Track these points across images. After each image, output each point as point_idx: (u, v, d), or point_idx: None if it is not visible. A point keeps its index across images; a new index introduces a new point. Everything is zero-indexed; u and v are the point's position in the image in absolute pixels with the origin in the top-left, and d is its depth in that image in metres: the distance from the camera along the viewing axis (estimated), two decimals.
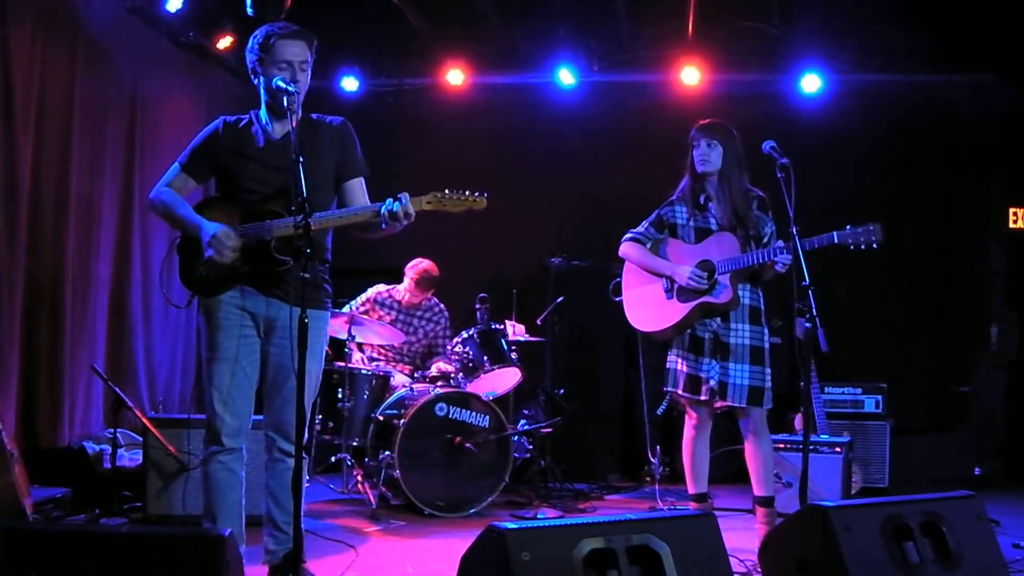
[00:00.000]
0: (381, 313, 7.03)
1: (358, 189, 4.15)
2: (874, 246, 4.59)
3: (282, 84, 3.80)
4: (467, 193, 3.89)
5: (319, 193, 3.98)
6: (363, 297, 7.12)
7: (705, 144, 5.03)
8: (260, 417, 4.10)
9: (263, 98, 4.02)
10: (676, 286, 5.03)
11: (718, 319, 4.97)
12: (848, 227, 4.61)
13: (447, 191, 3.89)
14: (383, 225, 3.82)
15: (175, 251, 4.07)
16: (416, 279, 6.98)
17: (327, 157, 4.06)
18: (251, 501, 4.20)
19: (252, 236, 3.87)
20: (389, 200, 3.80)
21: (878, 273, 7.62)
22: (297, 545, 3.51)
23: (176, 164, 4.11)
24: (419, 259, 7.02)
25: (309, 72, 3.98)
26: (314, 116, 4.11)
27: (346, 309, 6.92)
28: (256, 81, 4.00)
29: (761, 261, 4.82)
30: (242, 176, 3.97)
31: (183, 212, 3.98)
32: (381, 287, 7.16)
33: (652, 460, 6.91)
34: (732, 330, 4.94)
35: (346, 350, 6.46)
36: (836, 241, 4.62)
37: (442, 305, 7.20)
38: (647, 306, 5.18)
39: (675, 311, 5.04)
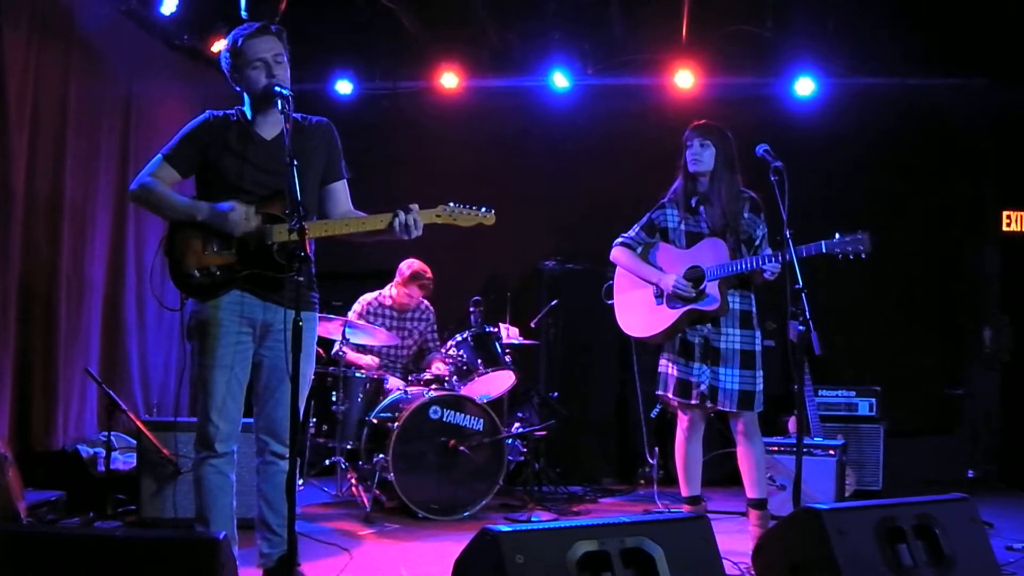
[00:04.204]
0: (375, 324, 6.97)
1: (342, 192, 4.13)
2: (863, 255, 4.60)
3: (279, 89, 3.76)
4: (476, 208, 3.92)
5: (310, 196, 3.98)
6: (353, 314, 7.00)
7: (698, 144, 5.05)
8: (250, 420, 4.06)
9: (247, 100, 3.99)
10: (666, 293, 5.04)
11: (708, 324, 4.98)
12: (837, 236, 4.62)
13: (456, 205, 3.91)
14: (394, 232, 3.83)
15: (162, 252, 3.95)
16: (407, 278, 6.92)
17: (316, 159, 4.04)
18: (242, 504, 4.20)
19: (253, 238, 3.84)
20: (400, 212, 3.81)
21: (872, 276, 7.62)
22: (291, 548, 3.50)
23: (159, 155, 3.97)
24: (411, 260, 6.99)
25: (286, 64, 3.93)
26: (298, 116, 4.01)
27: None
28: (238, 87, 3.97)
29: (750, 268, 4.84)
30: (234, 176, 3.89)
31: (183, 198, 3.88)
32: (368, 296, 7.11)
33: (651, 461, 6.91)
34: (722, 334, 4.96)
35: (341, 353, 6.45)
36: (824, 251, 4.63)
37: (427, 302, 7.18)
38: (637, 311, 5.20)
39: (664, 317, 5.05)
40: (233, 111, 4.03)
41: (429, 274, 6.98)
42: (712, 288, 4.91)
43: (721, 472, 6.67)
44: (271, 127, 3.97)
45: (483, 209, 4.00)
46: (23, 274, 5.68)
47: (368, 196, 4.22)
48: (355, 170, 4.21)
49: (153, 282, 4.20)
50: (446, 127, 8.43)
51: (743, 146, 5.01)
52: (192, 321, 3.93)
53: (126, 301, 6.66)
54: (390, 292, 7.07)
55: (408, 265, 6.97)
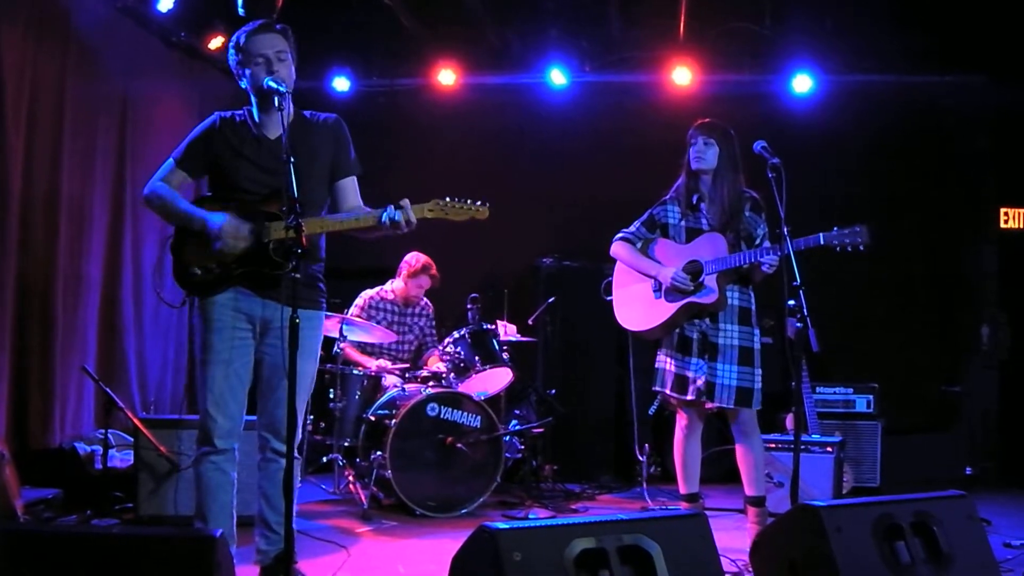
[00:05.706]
0: (377, 318, 6.96)
1: (351, 188, 4.14)
2: (861, 248, 4.60)
3: (273, 84, 3.77)
4: (469, 202, 3.91)
5: (314, 193, 3.99)
6: (355, 309, 6.97)
7: (702, 142, 5.04)
8: (253, 417, 4.08)
9: (253, 99, 4.01)
10: (664, 286, 5.04)
11: (707, 319, 4.97)
12: (835, 228, 4.62)
13: (449, 199, 3.89)
14: (385, 227, 3.84)
15: (168, 250, 4.02)
16: (417, 270, 6.89)
17: (322, 156, 4.05)
18: (243, 502, 4.19)
19: (251, 236, 3.86)
20: (390, 207, 3.81)
21: (870, 273, 7.62)
22: (288, 545, 3.50)
23: (170, 159, 4.04)
24: (415, 253, 6.97)
25: (290, 62, 3.94)
26: (307, 114, 4.09)
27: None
28: (243, 84, 3.99)
29: (748, 262, 4.84)
30: (237, 175, 3.94)
31: (183, 206, 3.95)
32: (369, 292, 7.08)
33: (640, 458, 6.88)
34: (721, 330, 4.95)
35: (339, 350, 6.44)
36: (822, 242, 4.63)
37: (426, 299, 7.17)
38: (636, 305, 5.20)
39: (662, 311, 5.05)
40: (241, 111, 4.07)
41: (434, 269, 6.98)
42: (710, 281, 4.91)
43: (719, 469, 6.67)
44: (276, 126, 3.97)
45: (477, 202, 3.96)
46: (20, 272, 5.68)
47: (366, 194, 4.21)
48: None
49: (155, 278, 4.23)
50: (443, 124, 8.43)
51: (741, 143, 5.01)
52: (196, 317, 4.02)
53: (123, 299, 6.65)
54: (392, 287, 7.05)
55: (416, 258, 6.94)
